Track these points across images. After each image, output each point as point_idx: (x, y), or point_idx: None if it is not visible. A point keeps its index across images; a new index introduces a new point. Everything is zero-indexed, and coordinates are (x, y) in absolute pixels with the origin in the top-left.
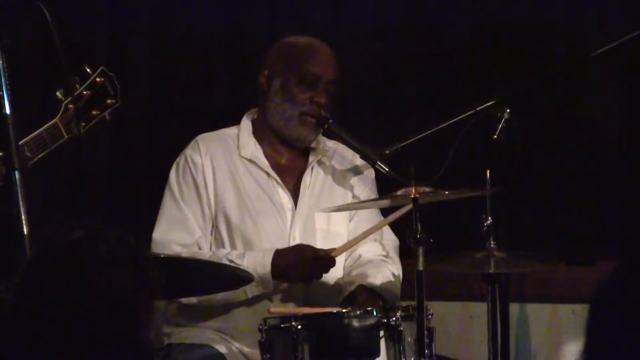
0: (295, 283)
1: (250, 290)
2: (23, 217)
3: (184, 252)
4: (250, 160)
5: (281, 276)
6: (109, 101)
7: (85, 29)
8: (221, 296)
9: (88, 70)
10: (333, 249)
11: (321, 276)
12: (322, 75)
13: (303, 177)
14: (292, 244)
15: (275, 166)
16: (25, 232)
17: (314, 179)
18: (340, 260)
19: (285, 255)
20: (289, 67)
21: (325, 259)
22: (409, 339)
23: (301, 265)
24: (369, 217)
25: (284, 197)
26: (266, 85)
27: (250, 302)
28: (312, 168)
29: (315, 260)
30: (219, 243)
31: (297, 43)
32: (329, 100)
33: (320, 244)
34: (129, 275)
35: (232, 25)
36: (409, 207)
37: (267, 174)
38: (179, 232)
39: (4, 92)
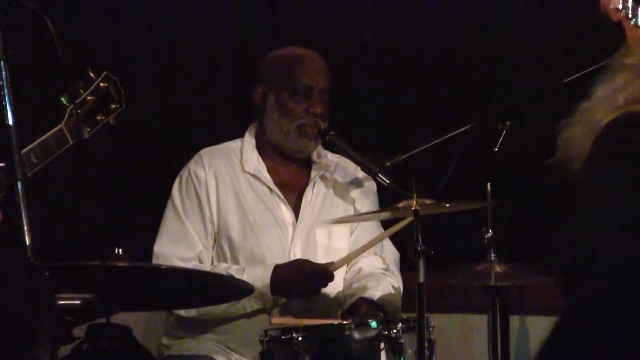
0: (294, 298)
1: (249, 305)
2: (25, 227)
3: (185, 266)
4: (253, 175)
5: (280, 291)
6: (113, 106)
7: (87, 36)
8: (220, 310)
9: (91, 75)
10: (332, 263)
11: (319, 291)
12: (314, 85)
13: (305, 193)
14: (292, 259)
15: (278, 181)
16: (27, 243)
17: (315, 194)
18: (340, 273)
19: (284, 270)
20: (281, 81)
21: (324, 273)
22: (409, 351)
23: (300, 279)
24: (370, 230)
25: (286, 212)
26: (261, 101)
27: (250, 313)
28: (314, 183)
29: (313, 274)
30: (221, 258)
31: (286, 56)
32: (324, 108)
33: (321, 259)
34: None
35: (235, 33)
36: (409, 219)
37: (270, 189)
38: (180, 246)
39: (7, 102)
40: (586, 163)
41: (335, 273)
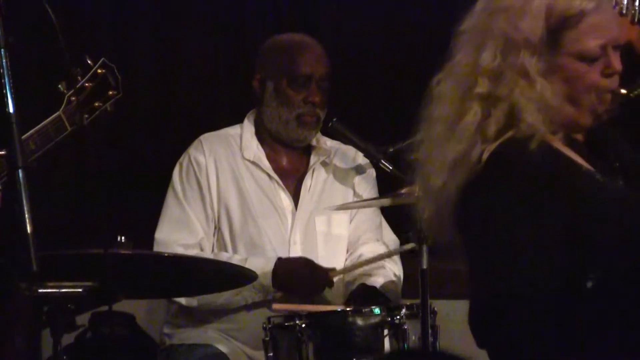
0: (293, 296)
1: (250, 297)
2: (26, 215)
3: (186, 253)
4: (253, 162)
5: (280, 287)
6: (111, 92)
7: (88, 24)
8: (221, 301)
9: (89, 62)
10: (333, 269)
11: (318, 293)
12: (313, 74)
13: (304, 180)
14: (292, 247)
15: (277, 168)
16: (29, 231)
17: (314, 182)
18: (341, 259)
19: (286, 268)
20: (279, 69)
21: (325, 282)
22: (413, 337)
23: (299, 282)
24: (370, 216)
25: (285, 199)
26: (260, 89)
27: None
28: (313, 170)
29: (314, 278)
30: (221, 245)
31: (284, 43)
32: (323, 96)
33: (321, 247)
34: None
35: (236, 19)
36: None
37: (269, 176)
38: (181, 232)
39: (8, 90)
40: (487, 197)
41: (336, 260)
